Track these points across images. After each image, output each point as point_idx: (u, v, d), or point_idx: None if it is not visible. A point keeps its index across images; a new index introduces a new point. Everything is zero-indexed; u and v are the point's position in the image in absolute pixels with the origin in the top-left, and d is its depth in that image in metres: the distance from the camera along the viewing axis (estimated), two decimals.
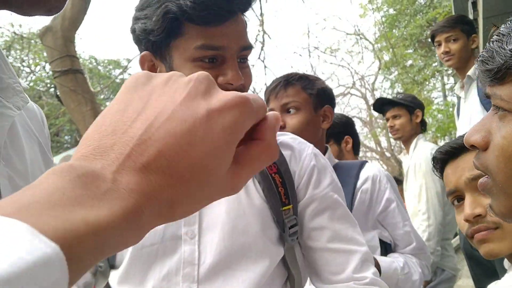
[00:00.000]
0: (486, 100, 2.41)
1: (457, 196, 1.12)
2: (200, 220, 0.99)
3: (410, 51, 13.14)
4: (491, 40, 0.64)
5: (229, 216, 0.98)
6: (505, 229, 1.02)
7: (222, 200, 0.99)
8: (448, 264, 2.87)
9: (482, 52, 0.65)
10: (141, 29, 0.98)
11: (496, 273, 2.25)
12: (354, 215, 1.52)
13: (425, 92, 13.84)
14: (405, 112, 3.02)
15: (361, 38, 14.27)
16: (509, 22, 0.64)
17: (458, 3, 6.39)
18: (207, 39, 0.95)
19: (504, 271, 2.18)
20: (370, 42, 14.37)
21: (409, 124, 3.02)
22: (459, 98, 2.72)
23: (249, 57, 1.03)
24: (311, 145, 1.15)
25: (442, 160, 1.16)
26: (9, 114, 0.68)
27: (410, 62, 13.37)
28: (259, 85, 13.38)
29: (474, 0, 5.07)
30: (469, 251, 2.48)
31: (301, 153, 1.11)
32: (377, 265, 1.52)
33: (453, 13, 6.84)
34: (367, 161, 1.83)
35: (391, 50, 12.97)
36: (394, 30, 13.23)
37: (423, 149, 2.94)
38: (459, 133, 2.66)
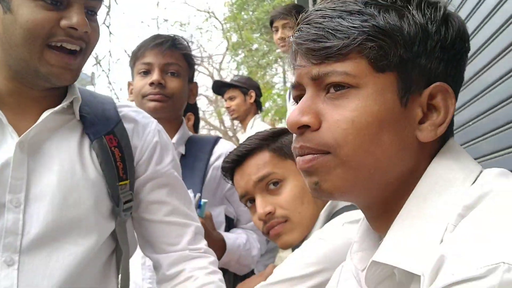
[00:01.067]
0: None
1: (248, 199, 1.22)
2: (28, 188, 0.93)
3: (257, 35, 13.61)
4: (310, 19, 0.64)
5: (60, 187, 0.95)
6: (293, 221, 1.13)
7: (54, 169, 0.94)
8: None
9: (302, 32, 0.64)
10: None
11: None
12: (204, 190, 1.54)
13: (267, 77, 14.49)
14: (240, 93, 3.19)
15: (211, 16, 14.35)
16: (329, 4, 0.64)
17: None
18: None
19: None
20: (219, 21, 14.53)
21: (243, 104, 3.19)
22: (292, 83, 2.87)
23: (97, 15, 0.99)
24: (155, 121, 1.13)
25: (230, 169, 1.25)
26: None
27: (256, 46, 13.84)
28: (103, 52, 12.65)
29: None
30: None
31: (145, 128, 1.10)
32: (223, 241, 1.56)
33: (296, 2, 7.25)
34: (221, 137, 1.84)
35: (239, 32, 13.28)
36: (242, 13, 13.57)
37: (260, 129, 3.06)
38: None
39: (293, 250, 1.25)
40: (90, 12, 0.97)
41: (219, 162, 1.66)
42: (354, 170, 0.62)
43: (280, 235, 1.15)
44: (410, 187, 0.63)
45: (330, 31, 0.62)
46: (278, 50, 13.52)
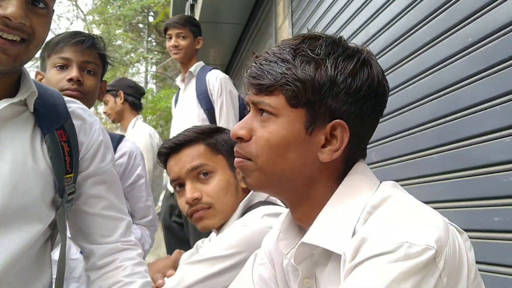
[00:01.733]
0: (201, 96, 2.80)
1: (179, 183, 1.40)
2: None
3: (120, 31, 13.30)
4: (259, 62, 0.86)
5: (12, 176, 0.97)
6: (216, 208, 1.35)
7: (7, 158, 0.98)
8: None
9: (251, 69, 0.87)
10: None
11: (188, 243, 2.65)
12: None
13: (129, 76, 14.20)
14: (110, 96, 3.20)
15: (74, 4, 13.65)
16: (274, 49, 0.87)
17: (177, 1, 6.92)
18: None
19: (195, 240, 2.59)
20: (82, 12, 13.88)
21: (115, 106, 3.21)
22: (178, 89, 3.04)
23: (50, 7, 0.99)
24: (98, 119, 1.20)
25: (166, 154, 1.42)
26: None
27: (119, 42, 13.51)
28: None
29: (192, 3, 5.60)
30: (167, 223, 2.82)
31: (91, 126, 1.15)
32: None
33: (171, 7, 7.37)
34: (124, 136, 1.93)
35: (103, 25, 12.84)
36: (108, 6, 13.16)
37: (143, 130, 3.17)
38: (175, 120, 2.98)
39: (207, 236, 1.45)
40: (37, 4, 0.96)
41: (122, 160, 1.82)
42: (266, 175, 0.85)
43: (202, 219, 1.34)
44: (314, 193, 0.85)
45: (265, 72, 0.83)
46: (142, 50, 13.37)
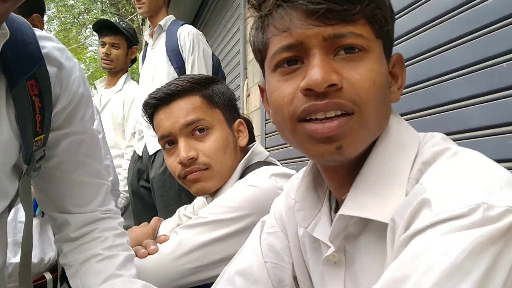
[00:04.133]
0: (172, 52, 2.61)
1: (169, 140, 1.21)
2: None
3: None
4: None
5: None
6: (213, 169, 1.18)
7: None
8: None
9: None
10: None
11: (155, 208, 2.51)
12: None
13: (81, 38, 13.59)
14: (125, 44, 2.92)
15: None
16: None
17: None
18: None
19: (163, 207, 2.44)
20: None
21: (124, 59, 2.94)
22: (146, 44, 2.83)
23: None
24: (77, 63, 0.95)
25: (155, 106, 1.22)
26: None
27: (71, 2, 12.83)
28: None
29: None
30: (135, 188, 2.66)
31: (70, 75, 0.90)
32: None
33: None
34: None
35: None
36: None
37: (132, 90, 2.93)
38: (142, 79, 2.78)
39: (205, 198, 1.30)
40: None
41: None
42: (369, 130, 0.65)
43: (198, 181, 1.17)
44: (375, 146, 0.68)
45: None
46: (96, 11, 12.75)
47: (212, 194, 1.22)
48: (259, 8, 0.70)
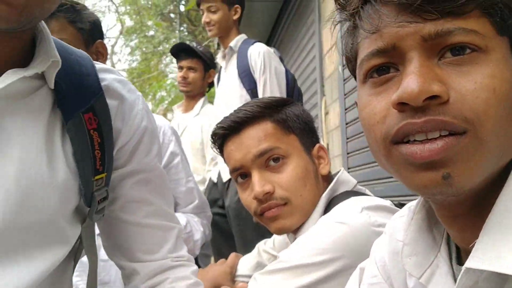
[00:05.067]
0: (243, 74, 2.50)
1: (241, 173, 1.09)
2: None
3: (150, 22, 13.19)
4: None
5: (20, 182, 0.68)
6: (293, 204, 1.03)
7: (13, 155, 0.66)
8: None
9: None
10: None
11: (232, 236, 2.39)
12: None
13: (162, 66, 14.12)
14: (202, 67, 2.90)
15: None
16: None
17: None
18: None
19: (241, 236, 2.29)
20: (114, 3, 13.85)
21: (201, 82, 2.92)
22: (220, 67, 2.75)
23: None
24: (141, 96, 0.89)
25: (223, 136, 1.10)
26: None
27: (152, 32, 13.41)
28: None
29: None
30: (212, 217, 2.56)
31: (132, 107, 0.84)
32: None
33: None
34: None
35: (135, 16, 12.75)
36: None
37: (208, 113, 2.85)
38: (217, 99, 2.69)
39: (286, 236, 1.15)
40: None
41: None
42: (490, 154, 0.50)
43: (277, 218, 1.04)
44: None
45: None
46: (174, 40, 13.23)
47: (294, 231, 1.07)
48: (345, 8, 0.57)
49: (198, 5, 2.69)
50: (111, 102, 0.81)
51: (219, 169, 2.47)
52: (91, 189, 0.77)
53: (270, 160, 1.05)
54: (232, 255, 1.22)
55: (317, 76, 3.85)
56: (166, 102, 11.72)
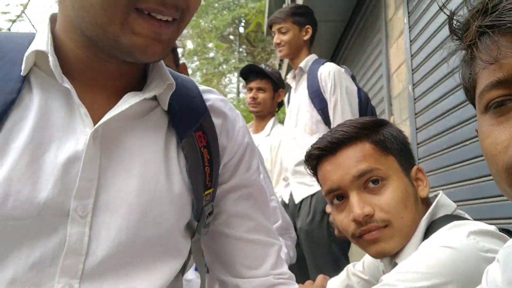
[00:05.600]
0: (313, 94, 2.48)
1: (338, 195, 1.07)
2: (97, 193, 0.70)
3: (210, 44, 13.51)
4: None
5: (140, 197, 0.72)
6: (394, 227, 1.00)
7: (134, 172, 0.71)
8: None
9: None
10: None
11: (305, 260, 2.35)
12: None
13: (221, 87, 14.41)
14: (271, 88, 2.93)
15: None
16: None
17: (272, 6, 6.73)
18: None
19: (313, 260, 2.24)
20: None
21: (270, 102, 2.94)
22: (290, 87, 2.76)
23: None
24: (239, 113, 0.93)
25: (319, 157, 1.09)
26: None
27: (212, 54, 13.74)
28: None
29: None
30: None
31: (234, 124, 0.88)
32: None
33: (266, 13, 7.18)
34: None
35: (196, 39, 13.11)
36: (201, 20, 13.43)
37: (279, 133, 2.85)
38: (287, 120, 2.69)
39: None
40: None
41: None
42: None
43: (377, 241, 1.01)
44: None
45: None
46: (234, 61, 13.50)
47: (392, 255, 1.04)
48: (462, 39, 0.57)
49: (270, 27, 2.73)
50: (216, 121, 0.85)
51: (290, 190, 2.46)
52: (201, 204, 0.81)
53: (369, 181, 1.03)
54: (320, 277, 1.20)
55: (385, 95, 3.78)
56: None
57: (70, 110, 0.72)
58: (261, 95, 2.91)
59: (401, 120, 3.47)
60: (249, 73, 3.01)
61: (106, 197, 0.70)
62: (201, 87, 0.89)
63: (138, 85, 0.79)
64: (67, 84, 0.71)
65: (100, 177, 0.70)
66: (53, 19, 0.77)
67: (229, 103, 0.92)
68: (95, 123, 0.71)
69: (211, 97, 0.88)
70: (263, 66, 3.10)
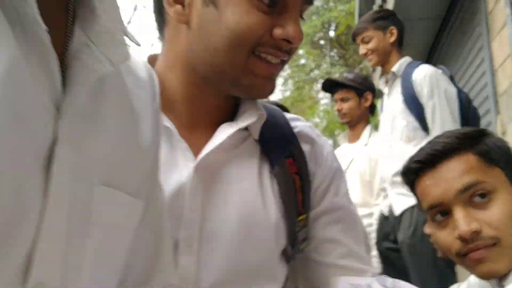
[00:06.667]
0: (409, 100, 2.37)
1: (440, 210, 0.99)
2: (202, 223, 0.74)
3: (301, 51, 13.49)
4: None
5: (241, 224, 0.76)
6: (504, 245, 0.92)
7: (233, 200, 0.75)
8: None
9: None
10: None
11: (408, 275, 2.24)
12: None
13: (313, 93, 14.30)
14: (354, 95, 2.87)
15: None
16: None
17: (363, 7, 6.58)
18: None
19: (418, 274, 2.12)
20: None
21: (357, 109, 2.87)
22: (383, 93, 2.67)
23: None
24: (327, 139, 0.96)
25: (417, 170, 1.02)
26: (96, 69, 0.46)
27: (303, 61, 13.72)
28: None
29: (381, 4, 5.20)
30: (383, 251, 2.45)
31: (322, 150, 0.90)
32: None
33: (356, 15, 7.03)
34: None
35: None
36: None
37: (375, 144, 2.76)
38: (382, 127, 2.60)
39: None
40: (301, 17, 0.82)
41: None
42: None
43: (484, 260, 0.93)
44: None
45: None
46: (325, 66, 13.38)
47: (501, 277, 0.94)
48: None
49: (354, 40, 2.67)
50: (304, 147, 0.88)
51: (390, 202, 2.36)
52: (294, 230, 0.82)
53: (475, 195, 0.95)
54: None
55: (489, 92, 3.52)
56: (319, 129, 11.79)
57: (171, 146, 0.77)
58: (345, 106, 2.88)
59: (510, 118, 3.20)
60: (330, 87, 3.00)
61: (209, 226, 0.74)
62: (288, 115, 0.92)
63: (229, 116, 0.84)
64: (168, 123, 0.77)
65: (202, 208, 0.75)
66: (151, 58, 0.84)
67: (316, 129, 0.93)
68: (194, 155, 0.77)
69: (299, 124, 0.90)
70: (344, 75, 3.07)
